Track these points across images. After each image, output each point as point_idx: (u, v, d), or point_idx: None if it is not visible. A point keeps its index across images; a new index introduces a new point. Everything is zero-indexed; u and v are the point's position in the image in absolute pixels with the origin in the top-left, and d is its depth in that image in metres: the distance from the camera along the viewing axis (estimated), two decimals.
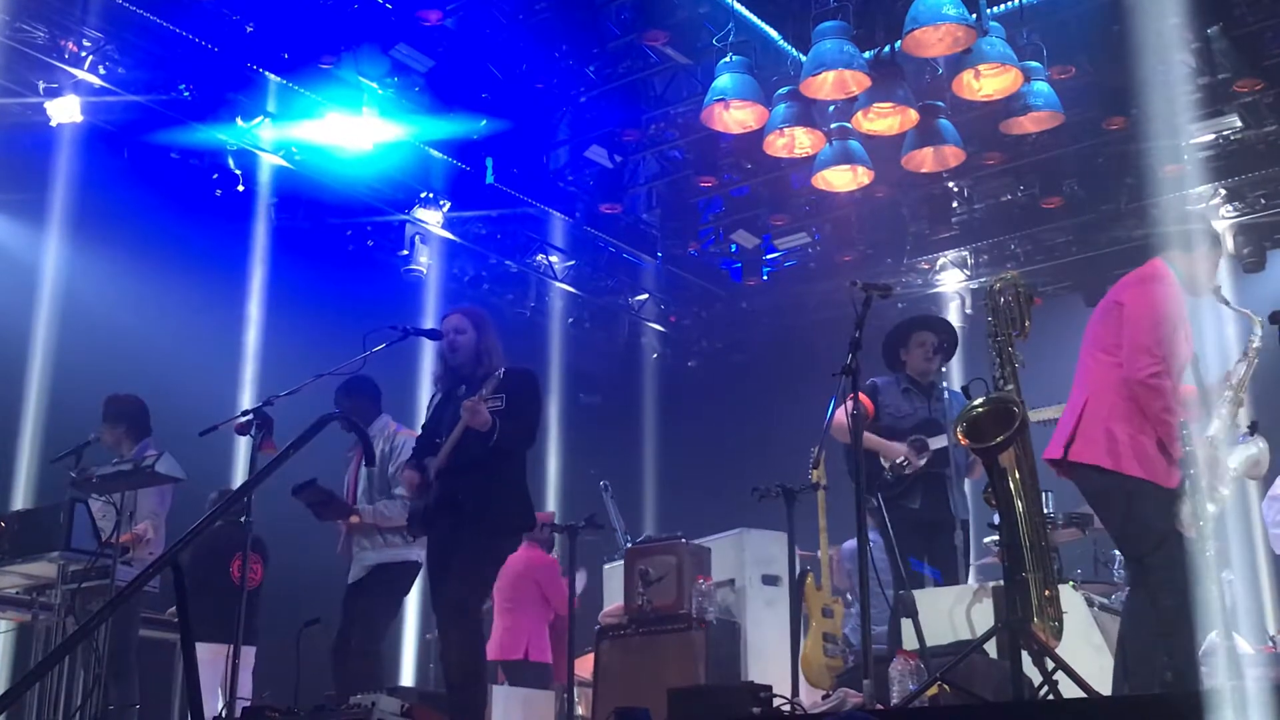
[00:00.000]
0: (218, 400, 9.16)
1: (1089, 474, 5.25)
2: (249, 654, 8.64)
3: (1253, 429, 5.58)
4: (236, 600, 6.62)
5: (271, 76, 9.87)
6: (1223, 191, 11.56)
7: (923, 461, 7.24)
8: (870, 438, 7.24)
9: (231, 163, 10.46)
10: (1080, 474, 5.30)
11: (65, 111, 9.22)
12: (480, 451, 6.18)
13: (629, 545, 8.51)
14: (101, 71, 9.39)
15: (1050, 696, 4.74)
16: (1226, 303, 5.59)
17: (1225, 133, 10.82)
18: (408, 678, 11.34)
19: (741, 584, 7.98)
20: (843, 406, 7.19)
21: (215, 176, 10.46)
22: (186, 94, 9.80)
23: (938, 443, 7.26)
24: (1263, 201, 11.63)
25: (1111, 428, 5.16)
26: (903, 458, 7.25)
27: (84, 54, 9.28)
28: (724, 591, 8.00)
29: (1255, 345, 5.45)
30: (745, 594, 7.93)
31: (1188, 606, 4.93)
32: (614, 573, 8.53)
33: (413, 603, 10.94)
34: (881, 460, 7.26)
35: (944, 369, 7.77)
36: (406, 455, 7.04)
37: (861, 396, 7.32)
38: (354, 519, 7.33)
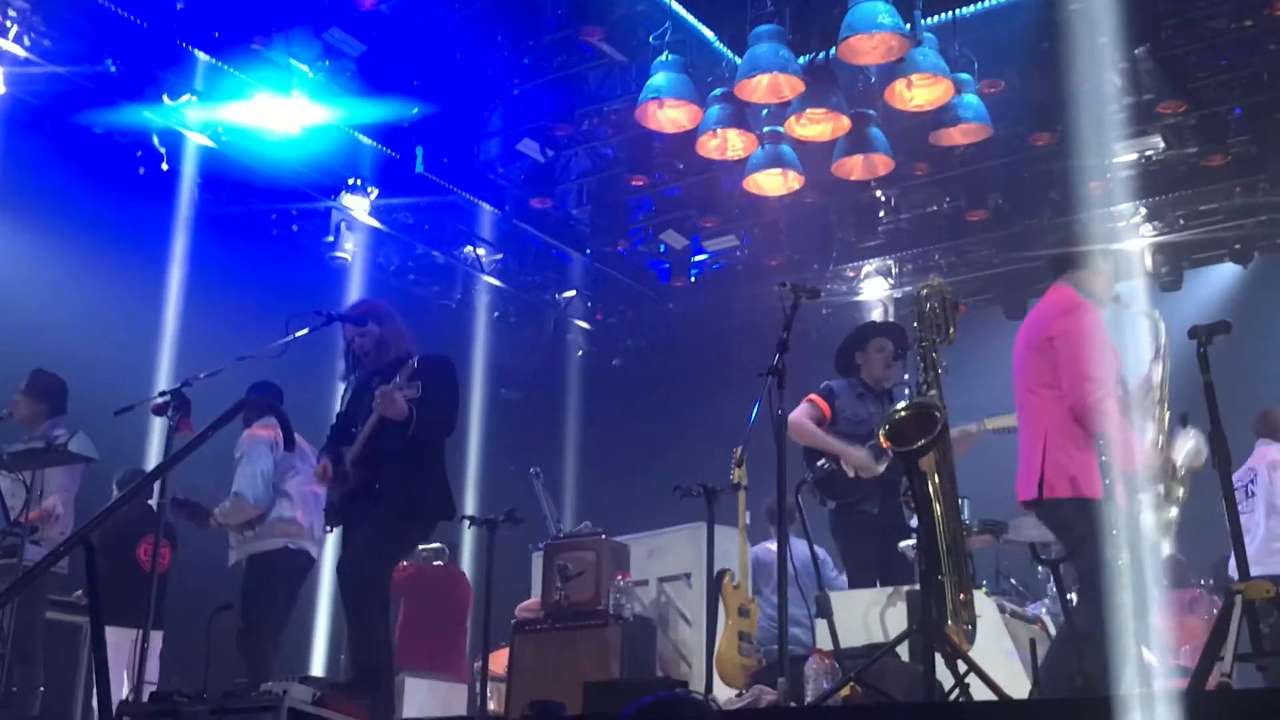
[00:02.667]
0: (135, 380, 8.98)
1: (1062, 505, 5.43)
2: (156, 639, 8.52)
3: (1184, 421, 5.71)
4: (143, 584, 6.53)
5: (200, 55, 9.66)
6: (1143, 210, 11.75)
7: (882, 468, 7.21)
8: (830, 441, 7.27)
9: (156, 141, 10.27)
10: (1053, 507, 5.48)
11: None
12: (397, 441, 6.11)
13: (560, 535, 8.44)
14: (26, 42, 9.17)
15: (962, 699, 4.80)
16: (1126, 307, 5.77)
17: (1148, 153, 10.99)
18: (318, 668, 11.21)
19: (697, 579, 7.93)
20: (800, 408, 7.25)
21: (139, 155, 10.26)
22: (113, 69, 9.56)
23: None
24: (1181, 222, 11.84)
25: (1073, 456, 5.36)
26: (825, 462, 7.26)
27: (8, 23, 9.07)
28: (679, 585, 7.99)
29: (1164, 341, 5.59)
30: (701, 589, 7.87)
31: (1101, 613, 5.03)
32: (541, 561, 8.43)
33: (324, 595, 10.85)
34: (843, 465, 7.25)
35: (905, 374, 7.81)
36: (253, 459, 7.31)
37: (818, 399, 7.42)
38: (211, 521, 7.48)
